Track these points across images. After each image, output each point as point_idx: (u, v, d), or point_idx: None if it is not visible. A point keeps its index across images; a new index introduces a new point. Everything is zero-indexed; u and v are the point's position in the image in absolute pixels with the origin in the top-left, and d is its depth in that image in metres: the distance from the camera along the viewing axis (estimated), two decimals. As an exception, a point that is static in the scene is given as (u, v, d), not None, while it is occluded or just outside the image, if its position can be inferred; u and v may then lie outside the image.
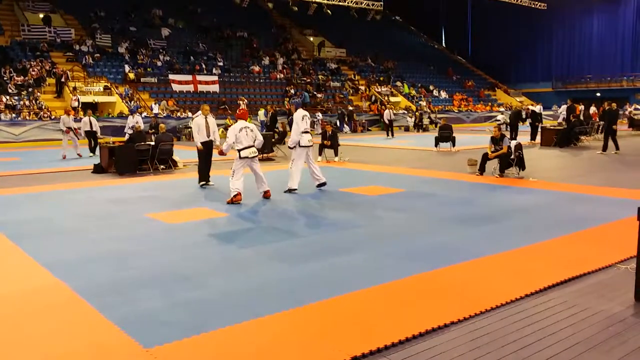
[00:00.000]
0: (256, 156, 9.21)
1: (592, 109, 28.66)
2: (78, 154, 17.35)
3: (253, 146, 9.09)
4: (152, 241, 6.69)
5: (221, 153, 9.60)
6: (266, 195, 9.44)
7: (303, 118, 10.21)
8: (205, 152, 11.09)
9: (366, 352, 3.61)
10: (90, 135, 18.11)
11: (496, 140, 12.00)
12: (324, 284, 5.01)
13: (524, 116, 22.53)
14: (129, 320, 4.19)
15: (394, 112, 30.21)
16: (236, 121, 9.39)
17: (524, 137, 20.11)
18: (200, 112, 11.38)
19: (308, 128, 10.33)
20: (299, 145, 10.13)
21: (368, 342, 3.73)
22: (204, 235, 6.95)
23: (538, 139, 20.84)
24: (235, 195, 8.93)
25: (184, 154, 15.86)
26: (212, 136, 11.13)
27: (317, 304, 4.48)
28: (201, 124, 10.99)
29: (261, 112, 27.86)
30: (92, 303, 4.54)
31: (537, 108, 27.10)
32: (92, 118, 18.63)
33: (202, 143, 10.97)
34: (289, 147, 10.39)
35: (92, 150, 17.86)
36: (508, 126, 22.71)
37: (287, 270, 5.47)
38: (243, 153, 8.98)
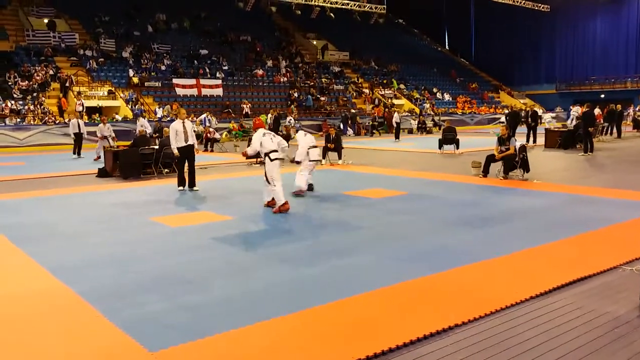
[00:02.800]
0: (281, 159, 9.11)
1: (597, 111, 28.57)
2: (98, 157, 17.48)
3: (277, 151, 8.90)
4: (157, 245, 6.70)
5: (245, 155, 9.45)
6: (269, 204, 9.05)
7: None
8: (186, 157, 10.97)
9: (370, 354, 3.61)
10: (77, 137, 18.52)
11: (502, 141, 11.96)
12: (327, 286, 5.01)
13: (522, 117, 22.30)
14: (134, 323, 4.20)
15: (402, 115, 30.29)
16: (255, 131, 9.27)
17: (521, 138, 20.05)
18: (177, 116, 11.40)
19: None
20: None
21: (372, 345, 3.73)
22: (208, 238, 6.96)
23: (538, 141, 20.79)
24: (282, 204, 8.62)
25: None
26: (191, 140, 11.03)
27: (320, 307, 4.48)
28: (179, 129, 10.83)
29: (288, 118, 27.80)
30: (96, 306, 4.55)
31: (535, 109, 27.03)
32: (79, 120, 18.98)
33: (180, 148, 10.85)
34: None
35: (79, 152, 18.44)
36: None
37: (290, 273, 5.47)
38: (273, 155, 8.76)
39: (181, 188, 11.09)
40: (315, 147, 10.68)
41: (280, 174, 8.86)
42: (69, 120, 21.65)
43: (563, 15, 43.77)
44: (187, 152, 11.01)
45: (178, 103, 28.93)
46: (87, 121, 24.97)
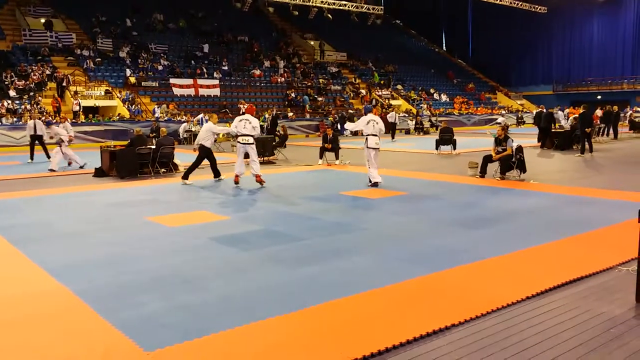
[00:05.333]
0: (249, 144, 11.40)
1: (598, 112, 28.60)
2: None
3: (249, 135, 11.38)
4: (153, 245, 6.68)
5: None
6: (257, 179, 11.38)
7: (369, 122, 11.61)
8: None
9: (367, 354, 3.61)
10: (34, 139, 17.13)
11: (499, 141, 11.98)
12: (324, 286, 5.01)
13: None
14: (130, 323, 4.19)
15: (399, 115, 30.32)
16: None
17: (531, 141, 20.01)
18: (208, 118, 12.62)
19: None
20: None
21: (369, 345, 3.73)
22: (204, 238, 6.95)
23: (534, 142, 20.71)
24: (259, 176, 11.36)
25: (185, 157, 15.85)
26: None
27: (318, 307, 4.48)
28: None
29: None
30: (93, 306, 4.54)
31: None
32: (37, 121, 17.40)
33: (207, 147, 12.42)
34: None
35: (32, 156, 17.12)
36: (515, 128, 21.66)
37: (287, 273, 5.46)
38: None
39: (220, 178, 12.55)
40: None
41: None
42: (27, 121, 19.72)
43: (560, 17, 43.85)
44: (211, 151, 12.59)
45: (175, 103, 28.93)
46: (83, 121, 25.03)
